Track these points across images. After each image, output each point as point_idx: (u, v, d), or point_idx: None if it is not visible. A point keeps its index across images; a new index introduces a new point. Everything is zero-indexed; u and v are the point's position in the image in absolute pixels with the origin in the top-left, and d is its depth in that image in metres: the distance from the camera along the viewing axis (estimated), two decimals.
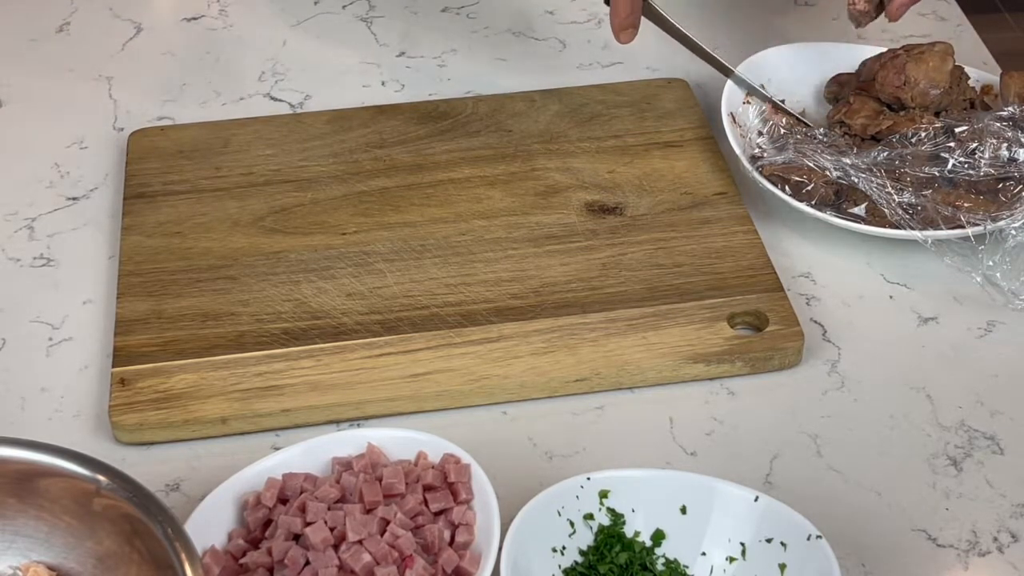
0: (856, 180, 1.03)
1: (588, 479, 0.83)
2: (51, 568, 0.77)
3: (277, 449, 0.88)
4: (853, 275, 1.03)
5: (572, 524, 0.82)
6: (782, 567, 0.81)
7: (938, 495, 0.88)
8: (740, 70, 1.13)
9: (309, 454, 0.86)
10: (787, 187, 1.04)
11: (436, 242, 1.02)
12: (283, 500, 0.83)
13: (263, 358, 0.94)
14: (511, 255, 1.02)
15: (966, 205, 1.01)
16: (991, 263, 1.00)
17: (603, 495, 0.83)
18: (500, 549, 0.79)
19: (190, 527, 0.78)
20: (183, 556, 0.69)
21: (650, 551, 0.83)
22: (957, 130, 1.05)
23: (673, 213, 1.06)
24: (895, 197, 1.01)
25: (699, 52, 1.11)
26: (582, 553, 0.82)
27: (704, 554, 0.83)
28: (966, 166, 1.03)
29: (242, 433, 0.91)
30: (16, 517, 0.77)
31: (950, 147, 1.04)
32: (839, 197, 1.04)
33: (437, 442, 0.86)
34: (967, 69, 1.12)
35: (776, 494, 0.85)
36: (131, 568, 0.74)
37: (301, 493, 0.83)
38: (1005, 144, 1.03)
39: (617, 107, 1.15)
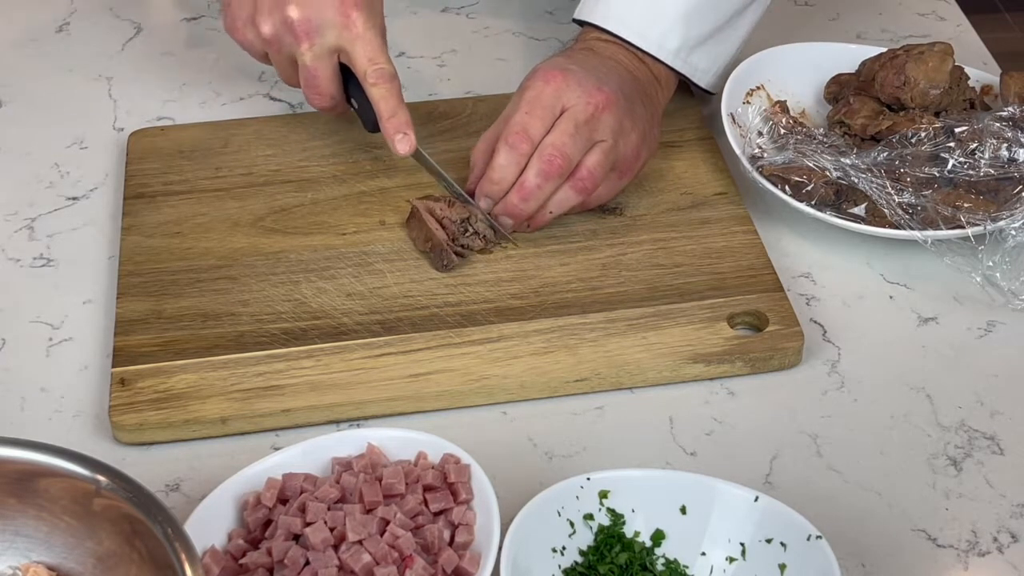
0: (856, 180, 1.03)
1: (588, 479, 0.83)
2: (51, 568, 0.77)
3: (277, 449, 0.88)
4: (853, 275, 1.03)
5: (572, 524, 0.82)
6: (782, 567, 0.81)
7: (938, 495, 0.88)
8: (740, 70, 1.13)
9: (309, 454, 0.86)
10: (787, 187, 1.04)
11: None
12: (283, 500, 0.83)
13: (263, 358, 0.94)
14: (511, 255, 1.02)
15: (966, 205, 1.01)
16: (991, 263, 1.00)
17: (603, 495, 0.83)
18: (500, 549, 0.79)
19: (190, 527, 0.78)
20: (183, 556, 0.69)
21: (650, 551, 0.83)
22: (957, 130, 1.05)
23: (673, 213, 1.06)
24: (895, 197, 1.01)
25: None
26: (582, 553, 0.82)
27: (704, 554, 0.83)
28: (966, 166, 1.03)
29: (242, 433, 0.91)
30: (16, 517, 0.77)
31: (950, 147, 1.04)
32: (839, 197, 1.04)
33: (437, 442, 0.86)
34: (967, 69, 1.12)
35: (776, 494, 0.85)
36: (131, 568, 0.74)
37: (301, 493, 0.83)
38: (1005, 144, 1.03)
39: None
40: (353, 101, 1.07)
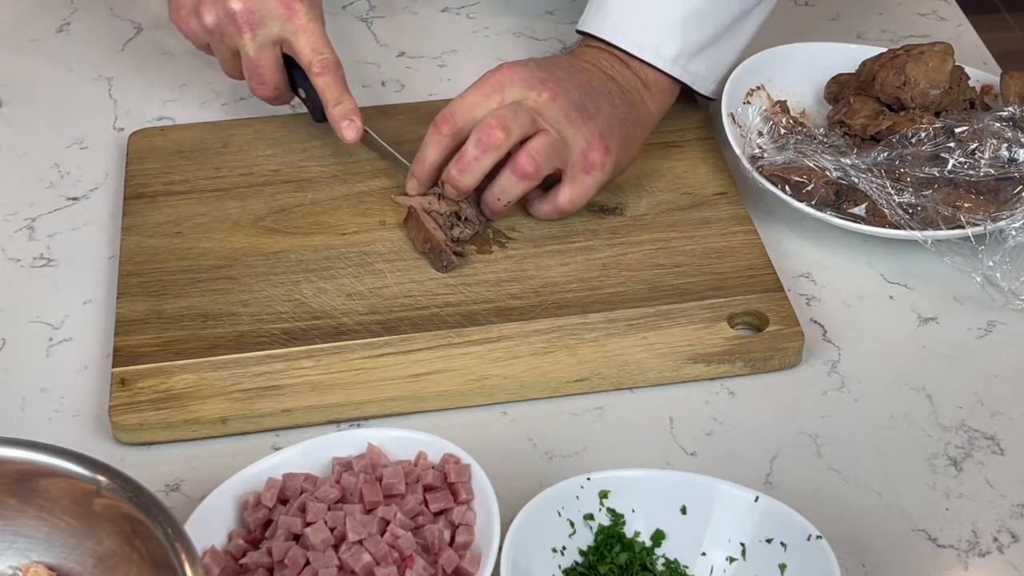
0: (856, 180, 1.03)
1: (588, 479, 0.83)
2: (51, 568, 0.77)
3: (277, 449, 0.88)
4: (853, 275, 1.03)
5: (572, 524, 0.82)
6: (782, 567, 0.81)
7: (938, 495, 0.88)
8: (740, 70, 1.13)
9: (309, 454, 0.86)
10: (787, 187, 1.04)
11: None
12: (283, 500, 0.83)
13: (263, 358, 0.94)
14: (511, 255, 1.02)
15: (966, 205, 1.01)
16: (991, 263, 1.00)
17: (603, 495, 0.83)
18: (500, 549, 0.79)
19: (190, 527, 0.78)
20: (183, 556, 0.69)
21: (650, 551, 0.83)
22: (957, 130, 1.05)
23: (673, 213, 1.06)
24: (895, 197, 1.01)
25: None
26: (582, 553, 0.82)
27: (704, 554, 0.83)
28: (966, 166, 1.03)
29: (242, 433, 0.91)
30: (16, 517, 0.77)
31: (950, 147, 1.04)
32: (839, 197, 1.04)
33: (437, 442, 0.86)
34: (967, 69, 1.12)
35: (776, 494, 0.85)
36: (131, 568, 0.74)
37: (301, 493, 0.83)
38: (1005, 144, 1.03)
39: None
40: (300, 91, 1.09)
